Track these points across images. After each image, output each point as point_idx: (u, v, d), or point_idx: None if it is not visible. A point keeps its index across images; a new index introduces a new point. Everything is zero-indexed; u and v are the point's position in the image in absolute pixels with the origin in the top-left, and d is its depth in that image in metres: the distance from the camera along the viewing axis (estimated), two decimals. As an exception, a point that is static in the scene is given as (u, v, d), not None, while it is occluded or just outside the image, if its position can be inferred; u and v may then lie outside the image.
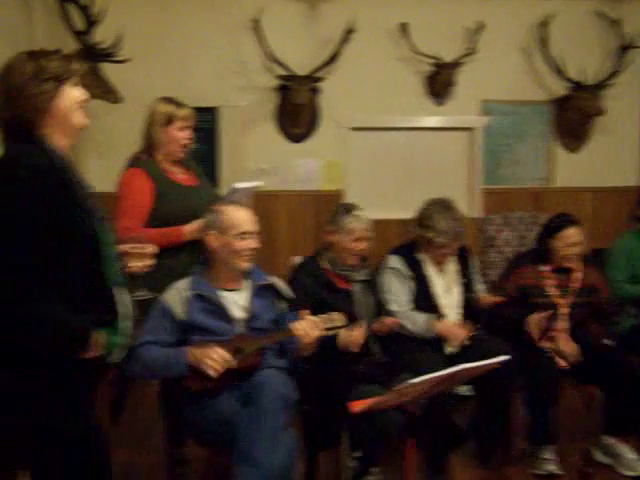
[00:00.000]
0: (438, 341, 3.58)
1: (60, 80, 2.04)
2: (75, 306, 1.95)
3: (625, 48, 5.82)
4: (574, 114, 5.91)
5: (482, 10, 5.84)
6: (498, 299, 3.75)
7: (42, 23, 4.98)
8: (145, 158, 3.43)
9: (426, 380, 2.55)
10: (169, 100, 3.46)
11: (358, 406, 2.71)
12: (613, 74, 5.83)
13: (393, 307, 3.56)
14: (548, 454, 3.51)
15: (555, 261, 3.80)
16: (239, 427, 2.61)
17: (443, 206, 3.61)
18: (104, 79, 5.02)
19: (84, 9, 4.85)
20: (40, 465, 2.01)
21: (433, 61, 5.74)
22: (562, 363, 3.58)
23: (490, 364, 2.72)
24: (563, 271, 3.80)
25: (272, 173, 5.79)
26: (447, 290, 3.68)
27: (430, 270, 3.67)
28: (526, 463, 3.59)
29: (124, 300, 2.11)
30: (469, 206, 5.93)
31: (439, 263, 3.69)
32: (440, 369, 2.65)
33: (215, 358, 2.71)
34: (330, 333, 2.93)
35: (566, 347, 3.63)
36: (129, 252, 2.35)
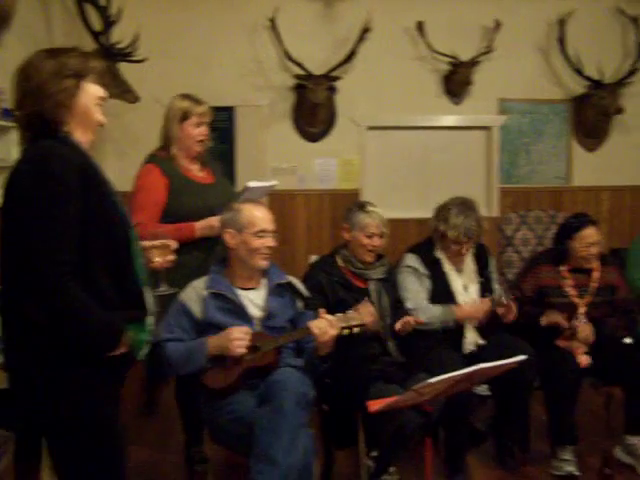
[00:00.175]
0: (457, 340, 3.56)
1: (80, 76, 2.03)
2: (108, 303, 1.95)
3: (644, 45, 5.78)
4: (592, 113, 5.88)
5: (499, 8, 5.82)
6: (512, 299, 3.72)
7: (60, 24, 5.02)
8: (162, 155, 3.44)
9: (444, 379, 2.54)
10: (186, 96, 3.46)
11: (376, 405, 2.71)
12: (632, 72, 5.79)
13: (409, 305, 3.55)
14: (567, 455, 3.48)
15: (573, 261, 3.77)
16: (256, 426, 2.60)
17: (463, 204, 3.60)
18: (122, 79, 5.04)
19: (102, 9, 4.87)
20: (64, 458, 2.00)
21: (450, 60, 5.73)
22: (582, 362, 3.55)
23: (509, 364, 2.70)
24: (581, 271, 3.77)
25: (289, 172, 5.81)
26: (464, 289, 3.65)
27: (447, 268, 3.65)
28: (545, 464, 3.56)
29: (148, 296, 2.12)
30: (486, 205, 5.91)
31: (456, 261, 3.67)
32: (458, 368, 2.64)
33: (237, 336, 2.73)
34: (347, 332, 2.92)
35: (581, 328, 3.60)
36: (152, 247, 2.36)
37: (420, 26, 5.72)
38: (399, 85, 5.87)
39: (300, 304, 3.09)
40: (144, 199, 3.31)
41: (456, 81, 5.80)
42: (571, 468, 3.45)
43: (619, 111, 5.76)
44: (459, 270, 3.68)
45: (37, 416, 1.98)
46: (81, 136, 2.05)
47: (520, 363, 2.75)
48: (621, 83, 5.79)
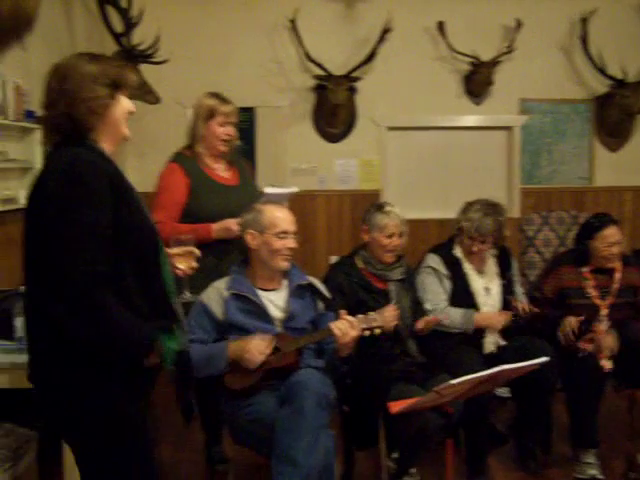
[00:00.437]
0: (476, 341, 3.54)
1: (117, 87, 2.00)
2: (139, 312, 1.92)
3: (668, 44, 5.72)
4: (615, 112, 5.83)
5: (520, 7, 5.78)
6: (535, 310, 3.69)
7: (82, 26, 5.05)
8: (187, 153, 3.46)
9: (466, 381, 2.53)
10: (214, 95, 3.47)
11: (397, 407, 2.70)
12: (656, 71, 5.73)
13: (428, 306, 3.54)
14: (590, 458, 3.45)
15: (595, 261, 3.74)
16: (277, 426, 2.61)
17: (488, 204, 3.60)
18: (144, 80, 5.07)
19: (123, 11, 4.90)
20: (90, 463, 2.00)
21: (471, 60, 5.71)
22: (605, 365, 3.51)
23: (531, 365, 2.69)
24: (603, 272, 3.74)
25: (309, 173, 5.81)
26: (486, 290, 3.64)
27: (468, 269, 3.63)
28: (568, 467, 3.53)
29: (177, 304, 2.10)
30: (508, 206, 5.86)
31: (476, 262, 3.65)
32: (479, 369, 2.63)
33: (257, 343, 2.73)
34: (367, 333, 2.91)
35: (604, 338, 3.56)
36: (176, 254, 2.36)
37: (441, 26, 5.70)
38: (419, 85, 5.85)
39: (321, 305, 3.08)
40: (165, 198, 3.33)
41: (477, 81, 5.78)
42: (594, 471, 3.42)
43: (642, 110, 5.70)
44: (480, 271, 3.66)
45: (63, 424, 1.97)
46: (107, 147, 2.02)
47: (542, 365, 2.73)
48: (645, 82, 5.74)
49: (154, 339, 1.96)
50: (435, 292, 3.58)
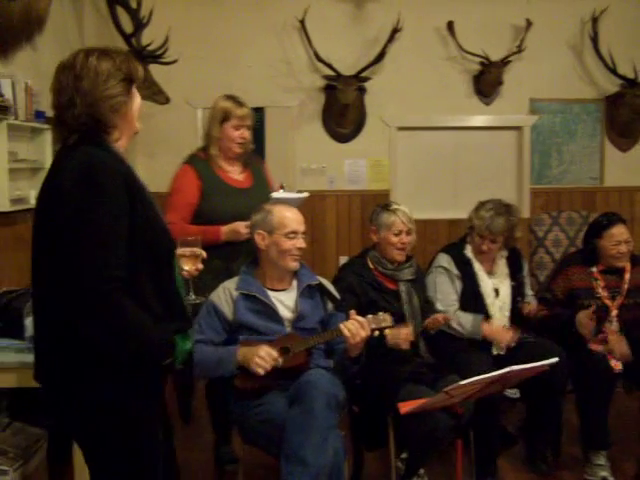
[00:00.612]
0: (486, 342, 3.53)
1: (131, 81, 1.97)
2: (154, 315, 1.90)
3: (679, 43, 5.69)
4: (626, 112, 5.80)
5: (530, 7, 5.77)
6: (543, 311, 3.68)
7: (92, 26, 5.08)
8: (201, 155, 3.48)
9: (476, 381, 2.52)
10: (230, 97, 3.47)
11: (407, 407, 2.70)
12: (667, 70, 5.70)
13: (439, 307, 3.54)
14: (601, 460, 3.43)
15: (604, 261, 3.72)
16: (287, 426, 2.61)
17: (500, 204, 3.60)
18: (153, 80, 5.08)
19: (132, 12, 4.92)
20: (100, 462, 1.99)
21: (480, 60, 5.69)
22: (616, 366, 3.49)
23: (541, 366, 2.68)
24: (612, 272, 3.72)
25: (319, 173, 5.81)
26: (496, 292, 3.63)
27: (479, 270, 3.63)
28: (578, 468, 3.51)
29: (187, 306, 2.10)
30: (518, 206, 5.82)
31: (487, 263, 3.65)
32: (488, 370, 2.62)
33: (262, 356, 2.72)
34: (377, 334, 2.91)
35: (617, 346, 3.54)
36: (182, 256, 2.36)
37: (450, 26, 5.69)
38: (429, 85, 5.84)
39: (330, 305, 3.08)
40: (176, 199, 3.36)
41: (487, 81, 5.76)
42: (605, 473, 3.40)
43: (654, 110, 5.68)
44: (490, 272, 3.66)
45: (74, 423, 1.96)
46: (122, 143, 1.99)
47: (552, 366, 2.72)
48: (656, 82, 5.71)
49: (172, 341, 1.95)
50: (446, 292, 3.58)
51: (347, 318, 2.88)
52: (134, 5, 4.94)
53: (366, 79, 5.60)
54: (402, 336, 3.11)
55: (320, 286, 3.08)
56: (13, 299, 3.00)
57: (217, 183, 3.41)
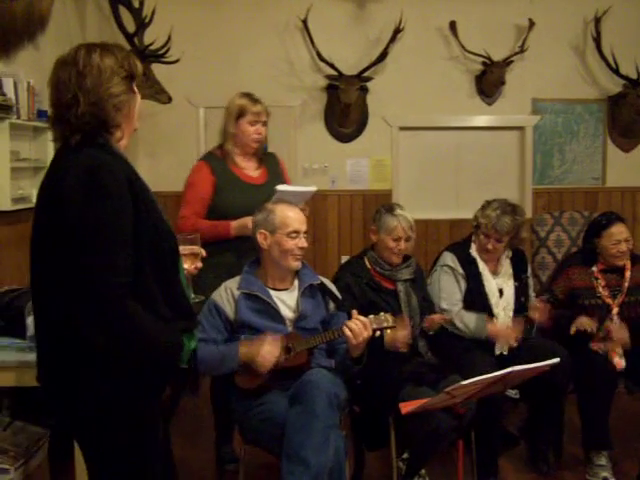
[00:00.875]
0: (488, 342, 3.53)
1: (132, 79, 1.94)
2: (162, 316, 1.89)
3: (682, 43, 5.68)
4: (628, 112, 5.79)
5: (532, 7, 5.76)
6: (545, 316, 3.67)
7: (94, 25, 5.08)
8: (218, 152, 3.55)
9: (477, 382, 2.52)
10: (245, 95, 3.54)
11: (408, 407, 2.69)
12: (670, 71, 5.69)
13: (443, 305, 3.54)
14: (603, 460, 3.42)
15: (604, 261, 3.72)
16: (288, 426, 2.61)
17: (507, 203, 3.60)
18: (155, 80, 5.08)
19: (135, 11, 4.92)
20: (101, 462, 1.99)
21: (483, 60, 5.69)
22: (618, 364, 3.49)
23: (543, 367, 2.67)
24: (613, 271, 3.72)
25: (321, 173, 5.81)
26: (500, 291, 3.63)
27: (484, 270, 3.63)
28: (580, 469, 3.51)
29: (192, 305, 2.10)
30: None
31: (491, 263, 3.65)
32: (490, 370, 2.62)
33: (264, 355, 2.72)
34: (378, 334, 2.91)
35: (617, 332, 3.53)
36: (181, 255, 2.35)
37: (452, 26, 5.68)
38: (431, 85, 5.84)
39: (332, 305, 3.08)
40: (190, 194, 3.44)
41: (489, 81, 5.75)
42: (606, 474, 3.39)
43: (656, 110, 5.67)
44: (495, 272, 3.66)
45: (75, 422, 1.95)
46: (124, 142, 1.96)
47: (554, 366, 2.72)
48: (658, 82, 5.70)
49: (181, 342, 1.94)
50: (451, 291, 3.59)
51: (349, 318, 2.88)
52: (136, 4, 4.94)
53: (368, 79, 5.60)
54: (400, 338, 3.10)
55: (322, 286, 3.08)
56: (15, 298, 3.00)
57: (231, 179, 3.46)
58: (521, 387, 3.67)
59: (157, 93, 5.06)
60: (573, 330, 3.54)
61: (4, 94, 3.51)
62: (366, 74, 5.57)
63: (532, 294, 3.81)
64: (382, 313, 2.90)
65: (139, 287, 1.83)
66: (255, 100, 3.52)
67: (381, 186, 5.86)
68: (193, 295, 2.56)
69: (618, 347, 3.52)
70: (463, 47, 5.69)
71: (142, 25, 4.94)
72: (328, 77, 5.59)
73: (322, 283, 3.08)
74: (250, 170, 3.54)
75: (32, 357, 2.02)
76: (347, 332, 2.78)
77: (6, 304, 2.97)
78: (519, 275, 3.71)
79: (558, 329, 3.67)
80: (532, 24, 5.68)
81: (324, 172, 5.83)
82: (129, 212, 1.81)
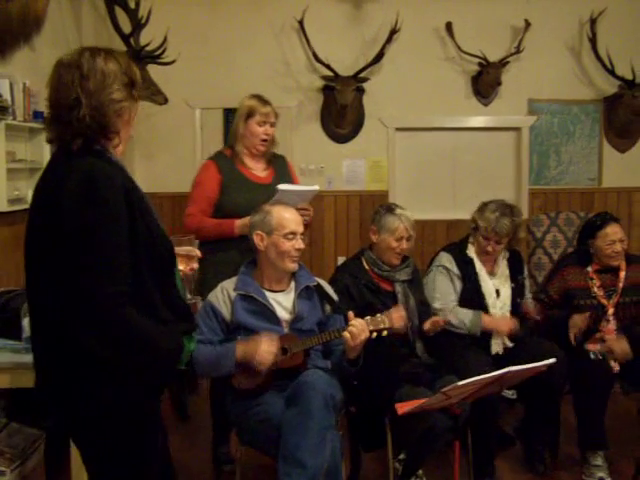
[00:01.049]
0: (484, 342, 3.53)
1: (133, 86, 1.93)
2: (162, 320, 1.89)
3: (678, 44, 5.68)
4: (624, 113, 5.79)
5: (528, 8, 5.76)
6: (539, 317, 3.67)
7: (90, 26, 5.07)
8: (226, 152, 3.58)
9: (473, 382, 2.52)
10: (255, 96, 3.60)
11: (404, 408, 2.69)
12: (666, 71, 5.69)
13: (437, 305, 3.54)
14: (598, 460, 3.43)
15: (599, 261, 3.73)
16: (284, 427, 2.61)
17: (504, 205, 3.61)
18: (152, 81, 5.07)
19: (131, 12, 4.91)
20: (100, 463, 1.98)
21: (479, 60, 5.69)
22: (614, 366, 3.49)
23: (539, 367, 2.68)
24: (608, 271, 3.73)
25: (317, 174, 5.80)
26: (496, 292, 3.63)
27: (480, 270, 3.63)
28: (576, 469, 3.52)
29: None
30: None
31: (488, 263, 3.65)
32: (486, 370, 2.63)
33: (262, 352, 2.73)
34: (375, 335, 2.91)
35: (617, 346, 3.53)
36: (177, 255, 2.35)
37: (449, 27, 5.69)
38: (427, 86, 5.84)
39: (328, 307, 3.08)
40: (197, 193, 3.48)
41: (485, 82, 5.76)
42: (602, 474, 3.40)
43: (652, 111, 5.67)
44: (492, 273, 3.66)
45: (74, 424, 1.94)
46: (121, 148, 1.95)
47: (550, 366, 2.72)
48: (654, 82, 5.70)
49: (182, 346, 1.95)
50: (445, 292, 3.59)
51: (345, 320, 2.87)
52: (132, 5, 4.93)
53: (364, 80, 5.59)
54: (394, 316, 2.97)
55: (318, 288, 3.08)
56: (11, 299, 2.99)
57: (238, 178, 3.49)
58: (517, 387, 3.68)
59: (153, 94, 5.05)
60: (573, 338, 3.54)
61: (0, 95, 3.51)
62: (362, 75, 5.56)
63: (528, 295, 3.81)
64: (379, 314, 2.90)
65: (138, 292, 1.84)
66: (264, 101, 3.56)
67: (377, 187, 5.86)
68: (189, 296, 2.56)
69: (620, 357, 3.50)
70: (459, 48, 5.69)
71: (138, 26, 4.93)
72: (324, 78, 5.58)
73: (318, 285, 3.08)
74: (258, 170, 3.57)
75: (28, 358, 2.01)
76: (345, 334, 2.78)
77: (2, 305, 2.96)
78: (515, 276, 3.71)
79: (553, 329, 3.67)
80: (528, 25, 5.69)
81: (320, 173, 5.82)
82: (125, 222, 1.81)
